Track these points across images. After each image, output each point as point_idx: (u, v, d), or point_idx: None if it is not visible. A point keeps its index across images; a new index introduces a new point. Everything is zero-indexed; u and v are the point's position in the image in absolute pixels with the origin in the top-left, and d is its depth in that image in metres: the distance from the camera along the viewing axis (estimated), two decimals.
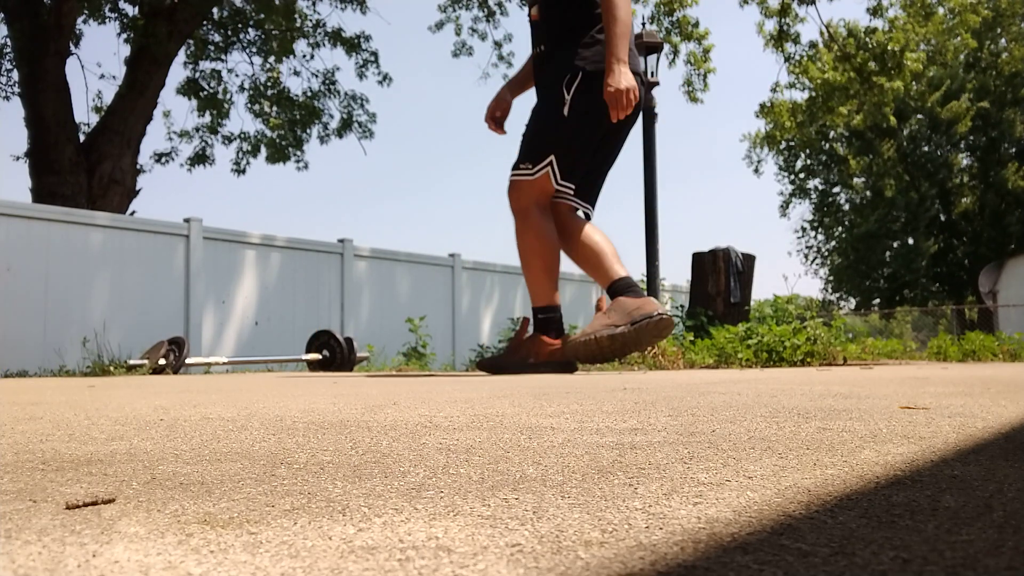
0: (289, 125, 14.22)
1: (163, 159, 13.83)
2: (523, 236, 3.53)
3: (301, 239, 8.92)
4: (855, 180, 30.26)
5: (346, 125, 14.45)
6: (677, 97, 63.93)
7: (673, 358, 4.77)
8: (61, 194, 10.24)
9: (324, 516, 0.71)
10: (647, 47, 7.59)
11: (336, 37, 14.25)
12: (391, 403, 1.83)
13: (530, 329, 3.66)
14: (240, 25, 13.90)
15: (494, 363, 3.64)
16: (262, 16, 13.57)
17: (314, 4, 14.18)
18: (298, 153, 14.24)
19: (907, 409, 1.54)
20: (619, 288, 3.49)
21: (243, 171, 14.17)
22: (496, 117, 3.92)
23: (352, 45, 14.32)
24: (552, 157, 3.49)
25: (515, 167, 3.58)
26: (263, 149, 14.18)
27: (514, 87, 4.00)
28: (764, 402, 1.73)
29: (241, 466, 0.99)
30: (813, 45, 14.62)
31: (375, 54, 14.44)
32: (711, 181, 59.12)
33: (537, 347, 3.51)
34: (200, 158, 14.10)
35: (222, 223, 9.83)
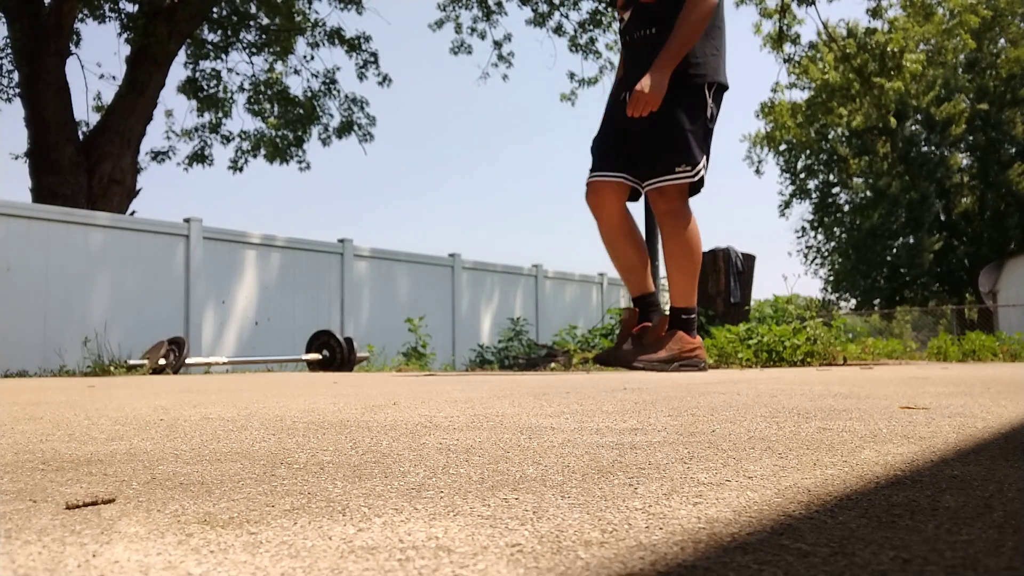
0: (289, 125, 14.22)
1: (160, 158, 13.84)
2: (681, 236, 3.57)
3: (301, 239, 8.91)
4: (855, 180, 30.27)
5: (346, 128, 14.46)
6: None
7: None
8: (61, 194, 10.24)
9: (324, 516, 0.71)
10: None
11: (336, 36, 14.26)
12: (391, 403, 1.83)
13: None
14: (239, 24, 13.90)
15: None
16: (262, 15, 13.57)
17: (310, 2, 14.18)
18: (300, 153, 14.25)
19: (907, 409, 1.54)
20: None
21: (240, 169, 14.17)
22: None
23: (352, 45, 14.32)
24: (705, 158, 3.58)
25: (666, 169, 3.51)
26: (263, 148, 14.18)
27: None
28: (764, 402, 1.73)
29: (241, 466, 0.99)
30: (813, 46, 14.61)
31: (375, 54, 14.45)
32: (711, 181, 58.81)
33: (681, 344, 3.60)
34: (198, 157, 14.11)
35: (222, 223, 9.83)
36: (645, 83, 3.43)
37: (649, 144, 3.57)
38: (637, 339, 3.59)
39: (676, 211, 3.54)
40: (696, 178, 3.51)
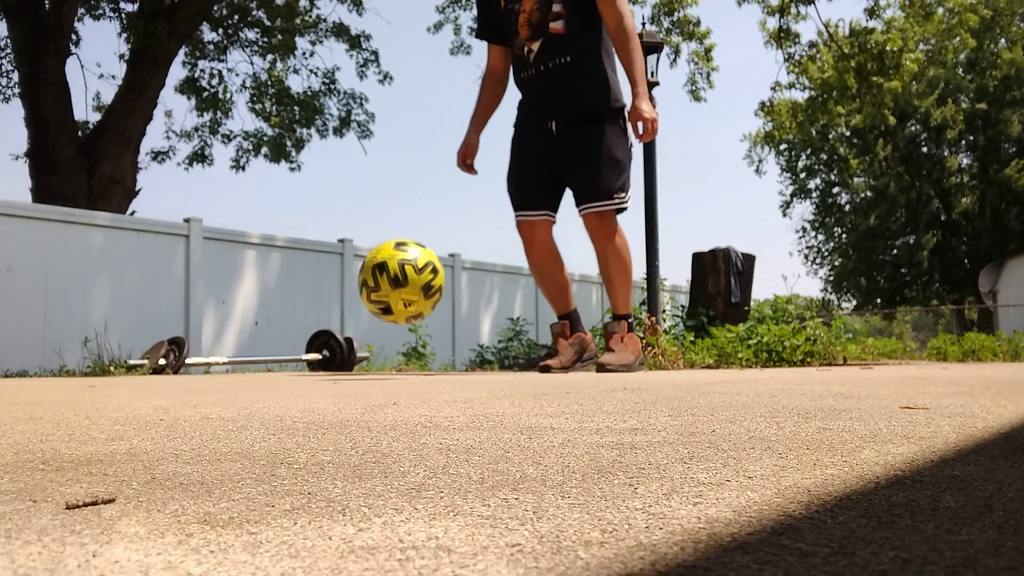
0: (290, 124, 14.21)
1: (160, 158, 13.83)
2: (621, 255, 3.91)
3: (301, 239, 8.91)
4: (855, 180, 30.27)
5: (344, 124, 14.44)
6: (677, 97, 63.93)
7: (673, 358, 4.76)
8: (61, 194, 10.23)
9: (324, 516, 0.71)
10: (647, 47, 7.56)
11: (339, 31, 14.24)
12: (391, 403, 1.83)
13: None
14: (240, 23, 13.89)
15: (614, 365, 3.82)
16: (262, 14, 13.56)
17: (312, 2, 14.17)
18: (292, 154, 14.24)
19: (907, 409, 1.54)
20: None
21: (243, 168, 14.16)
22: (468, 163, 4.15)
23: (354, 42, 14.31)
24: (631, 184, 3.89)
25: (606, 196, 3.77)
26: (264, 148, 14.17)
27: (479, 125, 4.19)
28: (764, 402, 1.73)
29: (241, 466, 0.99)
30: (813, 45, 14.61)
31: (375, 53, 14.45)
32: (711, 181, 59.02)
33: (636, 344, 3.99)
34: (198, 157, 14.10)
35: (222, 223, 9.81)
36: (646, 110, 3.66)
37: (585, 171, 3.82)
38: (578, 347, 3.97)
39: (615, 232, 3.87)
40: (627, 204, 3.86)
